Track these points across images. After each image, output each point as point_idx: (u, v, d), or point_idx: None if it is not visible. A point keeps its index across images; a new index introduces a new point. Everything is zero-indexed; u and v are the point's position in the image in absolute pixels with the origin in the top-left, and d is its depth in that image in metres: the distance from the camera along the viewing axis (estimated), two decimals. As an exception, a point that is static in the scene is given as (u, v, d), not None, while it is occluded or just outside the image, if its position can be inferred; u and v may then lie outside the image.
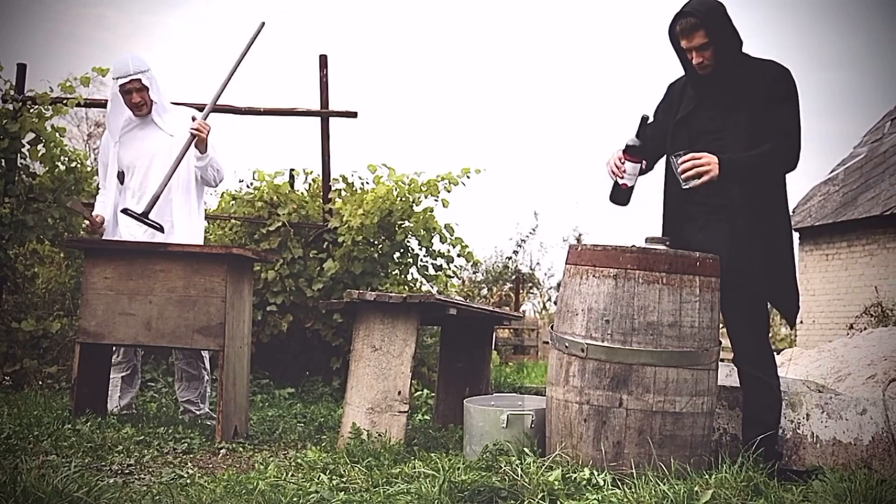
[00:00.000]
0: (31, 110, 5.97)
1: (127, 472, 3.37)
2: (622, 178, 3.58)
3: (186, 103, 5.99)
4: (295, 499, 2.85)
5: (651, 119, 3.62)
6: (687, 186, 3.45)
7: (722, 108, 3.53)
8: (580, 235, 24.36)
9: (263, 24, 4.78)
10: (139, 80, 4.54)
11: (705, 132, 3.57)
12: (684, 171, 3.41)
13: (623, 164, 3.56)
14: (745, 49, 3.53)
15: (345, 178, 6.69)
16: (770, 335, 3.75)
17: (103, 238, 4.64)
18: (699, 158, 3.39)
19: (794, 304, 3.59)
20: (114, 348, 4.55)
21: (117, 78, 4.54)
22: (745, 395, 3.58)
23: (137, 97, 4.57)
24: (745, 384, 3.57)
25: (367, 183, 6.63)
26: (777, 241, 3.53)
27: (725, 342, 3.70)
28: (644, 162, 3.60)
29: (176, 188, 4.59)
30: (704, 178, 3.38)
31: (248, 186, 6.85)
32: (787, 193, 3.61)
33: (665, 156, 3.72)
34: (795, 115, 3.49)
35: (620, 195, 3.62)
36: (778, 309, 3.59)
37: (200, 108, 6.09)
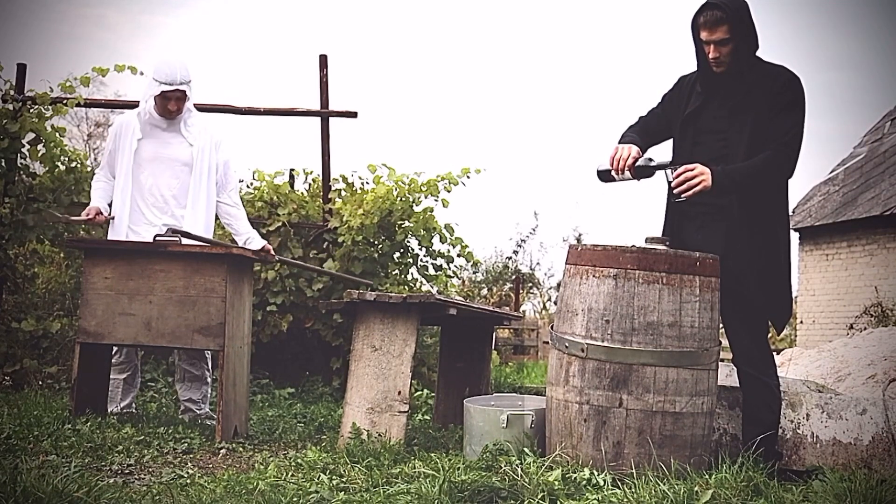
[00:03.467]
0: (31, 110, 5.97)
1: (127, 472, 3.37)
2: (617, 176, 3.60)
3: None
4: (295, 499, 2.85)
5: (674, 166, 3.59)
6: (679, 200, 3.49)
7: (729, 110, 3.53)
8: (580, 235, 24.39)
9: None
10: (184, 91, 4.46)
11: (710, 132, 3.57)
12: (677, 186, 3.43)
13: (624, 171, 3.56)
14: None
15: (345, 178, 6.69)
16: (769, 335, 3.75)
17: (112, 228, 4.60)
18: (691, 170, 3.40)
19: (785, 312, 3.58)
20: (115, 349, 4.55)
21: (162, 83, 4.41)
22: (744, 396, 3.58)
23: (174, 106, 4.50)
24: (744, 384, 3.57)
25: (367, 183, 6.63)
26: (774, 247, 3.52)
27: (725, 342, 3.70)
28: (636, 179, 3.61)
29: (195, 195, 4.60)
30: (696, 189, 3.39)
31: (248, 186, 6.85)
32: (787, 200, 3.60)
33: (660, 143, 3.76)
34: (798, 124, 3.47)
35: (606, 178, 3.67)
36: (770, 317, 3.59)
37: (202, 109, 6.11)
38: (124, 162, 4.58)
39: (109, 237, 4.61)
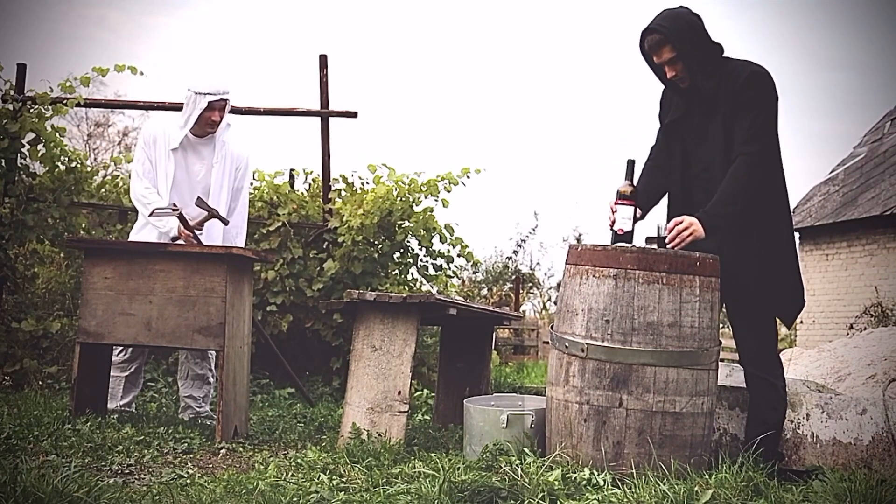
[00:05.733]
0: (31, 110, 5.97)
1: (127, 472, 3.37)
2: (615, 223, 3.52)
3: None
4: (295, 499, 2.85)
5: (636, 162, 3.58)
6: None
7: (704, 116, 3.55)
8: (580, 235, 24.42)
9: None
10: (227, 99, 4.55)
11: (692, 139, 3.60)
12: (671, 241, 3.39)
13: (615, 209, 3.52)
14: (744, 49, 3.54)
15: (345, 178, 6.69)
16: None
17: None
18: (680, 223, 3.38)
19: (795, 306, 3.57)
20: (119, 347, 4.55)
21: (207, 93, 4.47)
22: (749, 395, 3.58)
23: (218, 116, 4.57)
24: (750, 384, 3.57)
25: (367, 183, 6.63)
26: (775, 242, 3.52)
27: (725, 342, 3.70)
28: (637, 207, 3.53)
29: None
30: (689, 241, 3.37)
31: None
32: (787, 193, 3.59)
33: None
34: (756, 119, 3.40)
35: (620, 240, 3.51)
36: (775, 314, 3.58)
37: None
38: (160, 171, 4.61)
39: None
